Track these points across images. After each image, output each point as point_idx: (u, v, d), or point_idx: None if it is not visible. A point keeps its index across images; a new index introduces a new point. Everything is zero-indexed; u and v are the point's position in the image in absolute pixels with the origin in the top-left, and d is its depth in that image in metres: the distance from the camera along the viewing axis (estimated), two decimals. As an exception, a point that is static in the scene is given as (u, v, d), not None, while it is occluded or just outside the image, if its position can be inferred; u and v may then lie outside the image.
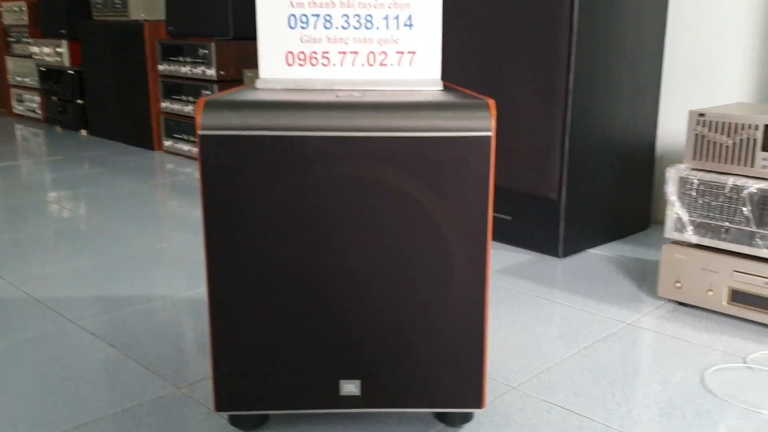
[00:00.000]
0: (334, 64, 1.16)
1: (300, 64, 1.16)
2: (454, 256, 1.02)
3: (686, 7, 2.15)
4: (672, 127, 2.23)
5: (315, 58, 1.16)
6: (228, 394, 1.05)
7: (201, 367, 1.32)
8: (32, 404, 1.19)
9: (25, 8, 4.51)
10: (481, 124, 0.97)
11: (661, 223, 2.29)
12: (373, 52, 1.16)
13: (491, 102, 0.99)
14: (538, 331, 1.49)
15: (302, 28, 1.14)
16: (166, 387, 1.25)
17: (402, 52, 1.16)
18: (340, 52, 1.16)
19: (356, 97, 1.02)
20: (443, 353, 1.05)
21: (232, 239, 1.00)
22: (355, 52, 1.16)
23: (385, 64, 1.16)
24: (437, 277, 1.03)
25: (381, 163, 0.99)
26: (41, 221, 2.33)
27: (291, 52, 1.16)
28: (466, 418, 1.12)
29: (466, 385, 1.07)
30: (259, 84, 1.14)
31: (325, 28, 1.14)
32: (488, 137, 0.97)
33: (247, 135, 0.97)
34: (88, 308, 1.60)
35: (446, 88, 1.16)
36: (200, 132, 0.97)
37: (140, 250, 2.02)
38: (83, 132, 4.20)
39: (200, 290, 1.71)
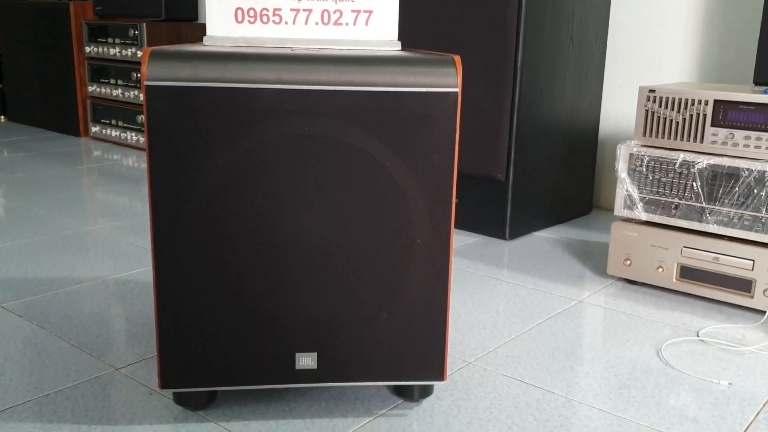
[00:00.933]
0: (286, 22, 1.10)
1: (250, 21, 1.09)
2: (416, 221, 0.97)
3: (628, -7, 2.17)
4: (614, 109, 2.25)
5: (266, 15, 1.09)
6: (174, 370, 0.98)
7: (139, 348, 1.23)
8: (-49, 389, 1.08)
9: (-62, -14, 4.23)
10: (447, 80, 0.93)
11: (603, 208, 2.31)
12: (327, 10, 1.10)
13: (457, 58, 0.95)
14: (491, 308, 1.46)
15: (254, -19, 1.07)
16: (103, 367, 1.15)
17: (358, 11, 1.11)
18: (292, 10, 1.09)
19: (313, 51, 0.96)
20: (404, 323, 1.00)
21: (178, 200, 0.92)
22: (309, 10, 1.10)
23: (340, 23, 1.11)
24: (398, 244, 0.98)
25: (339, 120, 0.93)
26: (-42, 204, 2.17)
27: (240, 8, 1.09)
28: (426, 391, 1.08)
29: (426, 357, 1.02)
30: (206, 41, 1.07)
31: (278, -18, 1.07)
32: (455, 93, 0.93)
33: (196, 86, 0.89)
34: (13, 290, 1.48)
35: (404, 50, 1.11)
36: (146, 82, 0.89)
37: (67, 234, 1.90)
38: (2, 118, 3.98)
39: (133, 272, 1.61)
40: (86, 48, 3.32)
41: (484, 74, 1.88)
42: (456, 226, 2.05)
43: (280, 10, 1.09)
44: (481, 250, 1.84)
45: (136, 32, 3.05)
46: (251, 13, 1.09)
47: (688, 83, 1.67)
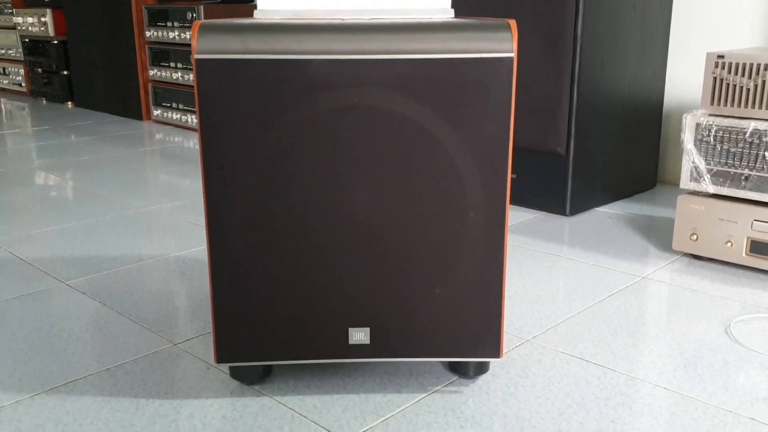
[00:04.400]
0: (337, -6, 1.08)
1: (300, -6, 1.08)
2: (469, 193, 0.95)
3: (695, -43, 2.07)
4: (680, 79, 2.16)
5: (316, -14, 1.07)
6: (230, 345, 0.98)
7: (198, 324, 1.25)
8: (19, 361, 1.11)
9: (6, -23, 4.37)
10: (502, 45, 0.89)
11: (669, 182, 2.23)
12: (379, -20, 1.08)
13: (512, 22, 0.91)
14: (551, 285, 1.42)
15: (303, -48, 1.05)
16: (162, 343, 1.17)
17: (410, -20, 1.08)
18: (343, -20, 1.08)
19: (364, 20, 0.94)
20: (458, 299, 0.98)
21: (230, 175, 0.92)
22: (360, -20, 1.08)
23: (392, -7, 1.08)
24: (451, 217, 0.95)
25: (390, 90, 0.91)
26: (27, 187, 2.24)
27: (291, -19, 1.07)
28: (482, 368, 1.06)
29: (482, 333, 1.00)
30: (257, 14, 1.06)
31: (328, -48, 1.06)
32: (510, 58, 0.89)
33: (245, 59, 0.89)
34: (77, 268, 1.52)
35: (458, 17, 1.08)
36: (196, 56, 0.89)
37: (130, 213, 1.94)
38: (69, 104, 4.09)
39: (194, 250, 1.63)
40: (146, 32, 3.38)
41: (542, 45, 1.83)
42: (514, 202, 2.00)
43: (330, -19, 1.07)
44: (540, 227, 1.80)
45: (194, 15, 3.09)
46: (301, -15, 1.08)
47: (759, 47, 1.58)
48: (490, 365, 1.09)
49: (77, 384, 1.05)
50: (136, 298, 1.36)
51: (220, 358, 0.99)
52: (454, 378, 1.06)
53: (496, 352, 1.01)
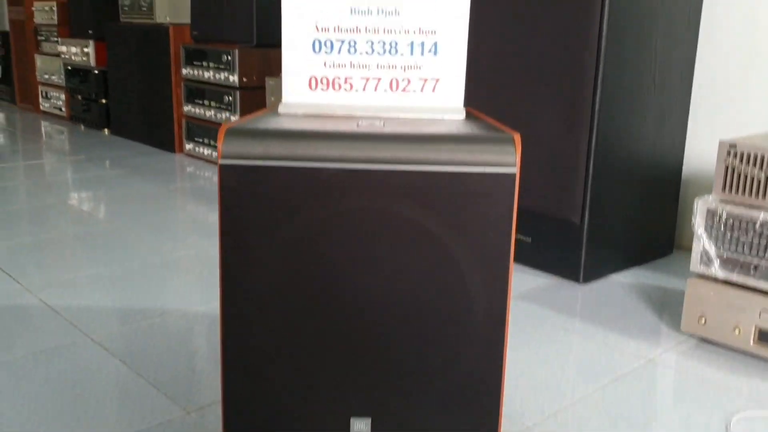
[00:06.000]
0: (356, 90, 1.14)
1: (323, 89, 1.14)
2: (472, 294, 0.99)
3: (717, 30, 2.10)
4: (700, 152, 2.18)
5: (338, 83, 1.13)
6: (237, 425, 1.03)
7: (211, 389, 1.30)
8: (41, 421, 1.18)
9: (55, 8, 4.54)
10: (506, 159, 0.94)
11: (686, 248, 2.24)
12: (396, 79, 1.14)
13: (516, 136, 0.96)
14: (556, 365, 1.45)
15: (326, 53, 1.12)
16: (176, 410, 1.23)
17: (425, 79, 1.14)
18: (363, 78, 1.14)
19: (377, 127, 1.00)
20: (458, 393, 1.02)
21: (247, 271, 0.98)
22: (378, 78, 1.13)
23: (408, 91, 1.14)
24: (455, 316, 1.00)
25: (398, 196, 0.96)
26: (61, 224, 2.33)
27: (314, 77, 1.14)
28: (480, 458, 1.09)
29: (480, 426, 1.04)
30: (281, 108, 1.12)
31: (349, 53, 1.12)
32: (512, 174, 0.94)
33: (266, 165, 0.95)
34: (102, 320, 1.59)
35: (469, 116, 1.13)
36: (221, 161, 0.95)
37: (156, 260, 2.01)
38: (106, 131, 4.22)
39: (215, 305, 1.69)
40: (183, 70, 3.49)
41: (560, 113, 1.87)
42: (528, 265, 2.04)
43: (351, 78, 1.14)
44: (553, 295, 1.83)
45: (229, 57, 3.18)
46: (324, 81, 1.14)
47: (775, 135, 1.60)
48: (489, 453, 1.13)
49: (94, 451, 1.11)
50: (155, 357, 1.42)
51: (229, 438, 1.04)
52: (453, 465, 1.10)
53: (493, 445, 1.04)
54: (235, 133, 0.96)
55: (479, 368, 1.01)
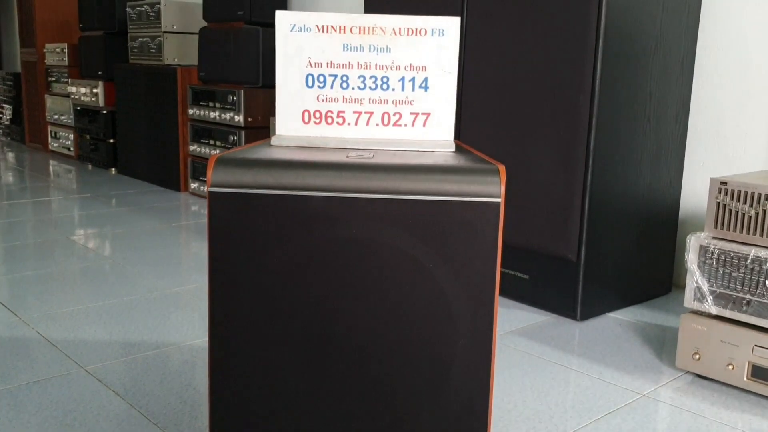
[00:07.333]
0: (348, 123, 1.17)
1: (315, 123, 1.17)
2: (459, 322, 1.00)
3: (712, 69, 2.14)
4: (697, 191, 2.20)
5: (330, 117, 1.16)
6: (224, 453, 1.03)
7: (204, 421, 1.30)
8: (31, 452, 1.18)
9: (66, 50, 4.64)
10: (490, 189, 0.96)
11: (684, 287, 2.24)
12: (387, 113, 1.16)
13: (501, 167, 0.98)
14: (550, 399, 1.45)
15: (319, 87, 1.15)
16: (166, 440, 1.23)
17: (416, 114, 1.17)
18: (355, 112, 1.16)
19: (365, 158, 1.02)
20: (446, 423, 1.02)
21: (235, 297, 0.99)
22: (370, 112, 1.16)
23: (399, 125, 1.17)
24: (441, 344, 1.01)
25: (385, 225, 0.98)
26: (64, 259, 2.35)
27: (307, 111, 1.17)
28: (468, 490, 1.09)
29: (468, 457, 1.03)
30: (274, 141, 1.15)
31: (342, 88, 1.15)
32: (497, 203, 0.96)
33: (254, 193, 0.97)
34: (97, 352, 1.60)
35: (458, 150, 1.16)
36: (210, 189, 0.97)
37: (154, 295, 2.02)
38: (113, 170, 4.28)
39: (206, 339, 1.70)
40: (189, 110, 3.55)
41: (556, 152, 1.89)
42: (526, 303, 2.04)
43: (343, 112, 1.16)
44: (550, 332, 1.83)
45: (235, 98, 3.24)
46: (317, 115, 1.17)
47: (765, 172, 1.62)
48: (478, 485, 1.12)
49: (82, 479, 1.11)
50: (148, 389, 1.42)
51: (216, 466, 1.04)
52: (441, 497, 1.09)
53: (480, 476, 1.04)
54: (224, 162, 0.98)
55: (466, 394, 1.01)
